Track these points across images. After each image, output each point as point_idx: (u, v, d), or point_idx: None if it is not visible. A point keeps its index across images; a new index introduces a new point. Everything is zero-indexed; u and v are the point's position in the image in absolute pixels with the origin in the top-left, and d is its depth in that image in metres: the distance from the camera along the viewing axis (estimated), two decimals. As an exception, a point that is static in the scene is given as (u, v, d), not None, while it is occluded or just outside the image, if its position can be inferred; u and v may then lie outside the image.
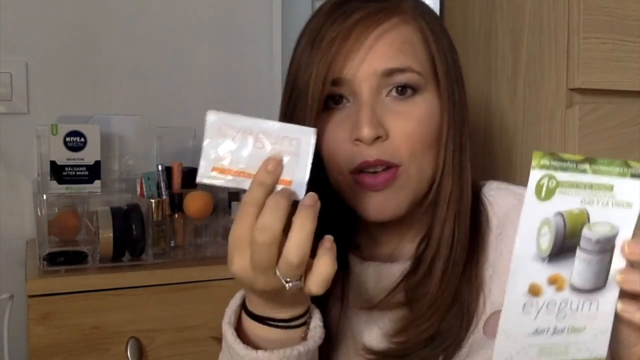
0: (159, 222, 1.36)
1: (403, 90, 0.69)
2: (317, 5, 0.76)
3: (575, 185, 0.49)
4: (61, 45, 1.60)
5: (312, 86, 0.68)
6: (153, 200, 1.36)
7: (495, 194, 0.77)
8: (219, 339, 0.70)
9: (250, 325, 0.64)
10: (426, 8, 0.74)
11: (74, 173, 1.44)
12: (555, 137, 1.07)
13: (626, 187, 0.50)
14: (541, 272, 0.51)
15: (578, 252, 0.51)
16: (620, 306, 0.52)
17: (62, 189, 1.43)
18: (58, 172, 1.43)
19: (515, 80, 1.16)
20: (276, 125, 0.56)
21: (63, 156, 1.43)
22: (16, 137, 1.56)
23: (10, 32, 1.55)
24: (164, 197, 1.40)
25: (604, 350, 0.53)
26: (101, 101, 1.64)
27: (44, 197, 1.34)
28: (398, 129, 0.68)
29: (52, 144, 1.43)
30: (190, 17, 1.72)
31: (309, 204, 0.54)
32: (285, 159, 0.56)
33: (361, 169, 0.69)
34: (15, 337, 1.35)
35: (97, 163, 1.46)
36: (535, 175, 0.49)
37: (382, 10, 0.69)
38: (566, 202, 0.49)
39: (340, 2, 0.70)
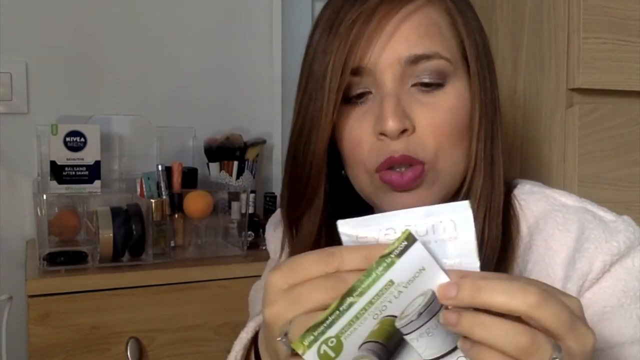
0: (159, 222, 1.36)
1: (430, 79, 0.63)
2: (318, 5, 0.75)
3: (356, 319, 0.45)
4: (61, 45, 1.61)
5: (330, 76, 0.62)
6: (153, 200, 1.36)
7: (527, 198, 0.70)
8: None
9: None
10: None
11: (74, 173, 1.44)
12: (555, 137, 1.07)
13: (404, 267, 0.45)
14: None
15: (408, 338, 0.46)
16: (459, 343, 0.45)
17: (62, 189, 1.43)
18: (58, 172, 1.43)
19: (515, 80, 1.16)
20: (419, 212, 0.46)
21: (63, 156, 1.43)
22: (16, 137, 1.57)
23: (10, 32, 1.55)
24: (164, 197, 1.40)
25: None
26: (101, 101, 1.64)
27: (44, 197, 1.34)
28: (425, 121, 0.63)
29: (52, 144, 1.43)
30: (190, 17, 1.72)
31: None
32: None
33: (387, 167, 0.63)
34: (15, 337, 1.34)
35: (97, 163, 1.46)
36: (310, 356, 0.45)
37: None
38: (361, 334, 0.46)
39: None
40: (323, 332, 0.46)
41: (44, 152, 1.53)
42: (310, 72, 0.65)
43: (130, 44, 1.67)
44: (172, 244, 1.41)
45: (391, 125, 0.61)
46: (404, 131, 0.62)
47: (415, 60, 0.62)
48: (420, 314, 0.45)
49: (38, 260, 1.28)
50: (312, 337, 0.46)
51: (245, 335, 0.65)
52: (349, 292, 0.45)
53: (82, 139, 1.45)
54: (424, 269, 0.45)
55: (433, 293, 0.45)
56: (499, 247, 0.66)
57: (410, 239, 0.45)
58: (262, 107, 1.78)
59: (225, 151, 1.64)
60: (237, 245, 1.47)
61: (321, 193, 0.67)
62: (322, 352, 0.46)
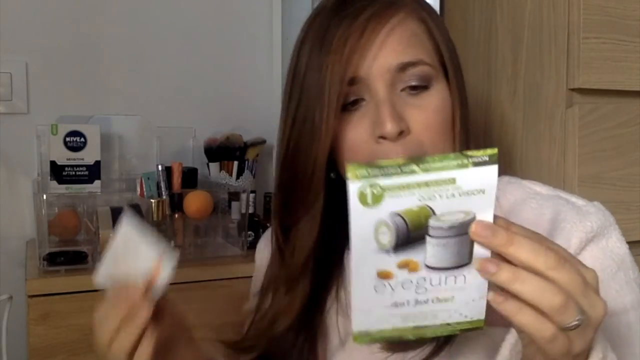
0: (159, 222, 1.36)
1: (417, 83, 0.69)
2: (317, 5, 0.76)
3: (407, 187, 0.47)
4: (61, 45, 1.60)
5: (328, 88, 0.67)
6: (153, 200, 1.36)
7: (504, 187, 0.76)
8: (224, 342, 0.70)
9: None
10: (423, 1, 0.75)
11: (74, 173, 1.44)
12: (555, 137, 1.07)
13: (472, 176, 0.47)
14: (387, 261, 0.50)
15: (428, 239, 0.49)
16: (490, 296, 0.48)
17: (62, 189, 1.43)
18: (58, 172, 1.43)
19: (515, 80, 1.16)
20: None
21: (63, 156, 1.43)
22: (16, 137, 1.56)
23: (10, 32, 1.55)
24: (164, 197, 1.40)
25: (481, 314, 0.51)
26: (101, 101, 1.64)
27: (44, 197, 1.33)
28: (418, 122, 0.68)
29: (52, 144, 1.43)
30: (190, 17, 1.72)
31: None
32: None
33: None
34: (15, 337, 1.34)
35: (97, 163, 1.46)
36: (354, 186, 0.48)
37: (389, 7, 0.70)
38: (400, 203, 0.48)
39: (344, 0, 0.70)
40: (376, 176, 0.47)
41: (44, 152, 1.53)
42: (305, 86, 0.70)
43: (130, 44, 1.67)
44: (172, 244, 1.41)
45: (390, 127, 0.66)
46: (401, 133, 0.67)
47: (403, 67, 0.68)
48: (451, 227, 0.47)
49: (38, 260, 1.28)
50: (365, 172, 0.47)
51: None
52: (417, 160, 0.47)
53: (82, 139, 1.45)
54: (483, 192, 0.46)
55: (474, 219, 0.47)
56: None
57: (493, 158, 0.46)
58: (262, 107, 1.78)
59: (225, 151, 1.64)
60: (237, 245, 1.47)
61: (321, 199, 0.72)
62: (364, 191, 0.48)
